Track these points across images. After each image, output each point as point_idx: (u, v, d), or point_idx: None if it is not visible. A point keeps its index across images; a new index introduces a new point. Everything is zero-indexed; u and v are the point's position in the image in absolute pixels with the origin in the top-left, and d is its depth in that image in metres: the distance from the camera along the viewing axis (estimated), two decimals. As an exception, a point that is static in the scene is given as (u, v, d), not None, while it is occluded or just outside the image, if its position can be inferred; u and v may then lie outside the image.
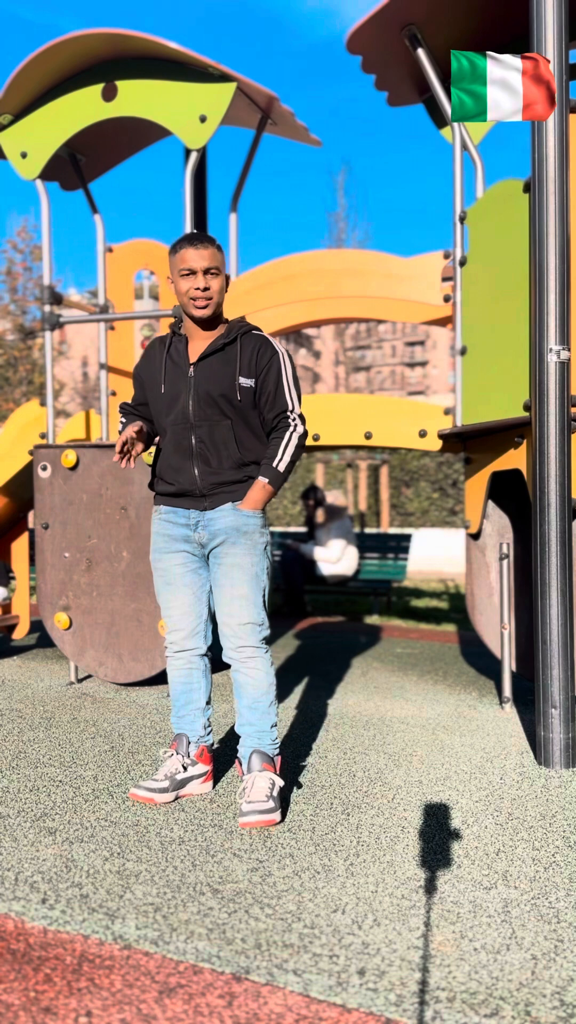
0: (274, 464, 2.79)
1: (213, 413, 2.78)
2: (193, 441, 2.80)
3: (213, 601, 2.89)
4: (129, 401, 3.06)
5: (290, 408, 2.83)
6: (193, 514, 2.84)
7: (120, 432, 2.92)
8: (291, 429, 2.82)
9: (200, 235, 2.79)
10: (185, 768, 2.91)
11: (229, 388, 2.77)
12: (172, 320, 3.04)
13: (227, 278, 2.84)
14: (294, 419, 2.83)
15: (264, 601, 2.83)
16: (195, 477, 2.81)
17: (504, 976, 1.81)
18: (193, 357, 2.83)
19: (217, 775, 3.14)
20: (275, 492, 2.83)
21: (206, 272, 2.75)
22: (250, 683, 2.81)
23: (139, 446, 2.82)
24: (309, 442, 4.70)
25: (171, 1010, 1.70)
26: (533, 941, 1.96)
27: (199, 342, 2.86)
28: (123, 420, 3.01)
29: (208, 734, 2.99)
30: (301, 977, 1.81)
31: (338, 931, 2.00)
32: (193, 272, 2.75)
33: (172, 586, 2.90)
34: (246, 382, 2.78)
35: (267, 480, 2.79)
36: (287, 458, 2.80)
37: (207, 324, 2.84)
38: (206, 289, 2.75)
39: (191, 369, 2.81)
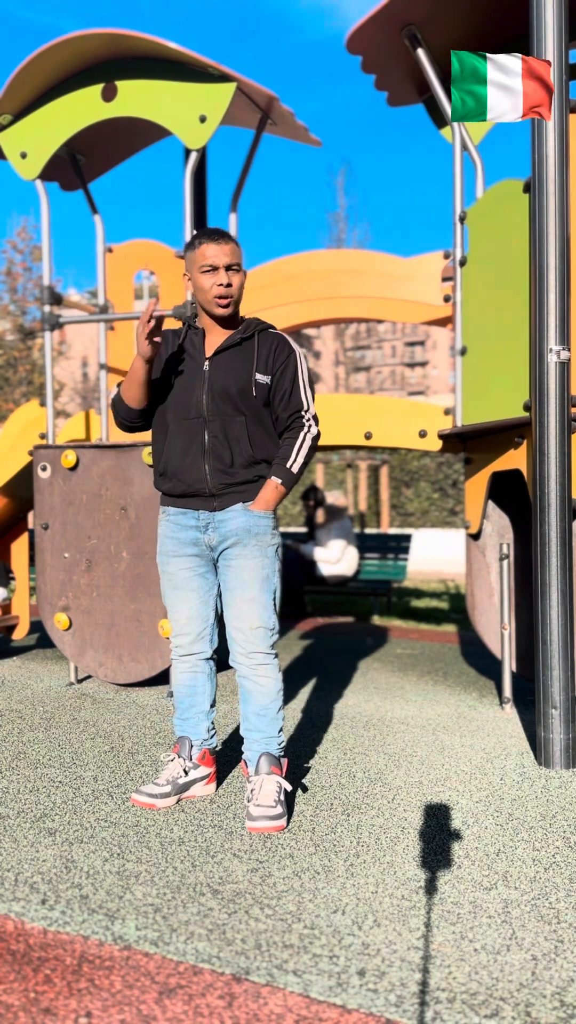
0: (287, 465, 2.74)
1: (228, 408, 2.73)
2: (206, 437, 2.74)
3: (220, 604, 2.86)
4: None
5: (305, 408, 2.79)
6: (203, 515, 2.78)
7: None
8: (305, 430, 2.78)
9: (220, 231, 2.74)
10: (187, 772, 2.89)
11: (246, 383, 2.72)
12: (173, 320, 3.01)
13: (244, 274, 2.80)
14: (308, 420, 2.80)
15: (275, 605, 2.79)
16: (206, 475, 2.74)
17: (504, 977, 1.81)
18: (209, 351, 2.78)
19: (218, 776, 3.13)
20: (287, 493, 2.79)
21: (228, 268, 2.70)
22: (259, 690, 2.76)
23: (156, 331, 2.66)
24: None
25: (171, 1011, 1.70)
26: (533, 942, 1.96)
27: (215, 337, 2.80)
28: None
29: (211, 737, 2.96)
30: (301, 978, 1.80)
31: (338, 932, 2.00)
32: (215, 268, 2.69)
33: (179, 590, 2.85)
34: (263, 378, 2.74)
35: (280, 480, 2.74)
36: (300, 459, 2.76)
37: (226, 321, 2.79)
38: (228, 286, 2.70)
39: (206, 363, 2.76)
